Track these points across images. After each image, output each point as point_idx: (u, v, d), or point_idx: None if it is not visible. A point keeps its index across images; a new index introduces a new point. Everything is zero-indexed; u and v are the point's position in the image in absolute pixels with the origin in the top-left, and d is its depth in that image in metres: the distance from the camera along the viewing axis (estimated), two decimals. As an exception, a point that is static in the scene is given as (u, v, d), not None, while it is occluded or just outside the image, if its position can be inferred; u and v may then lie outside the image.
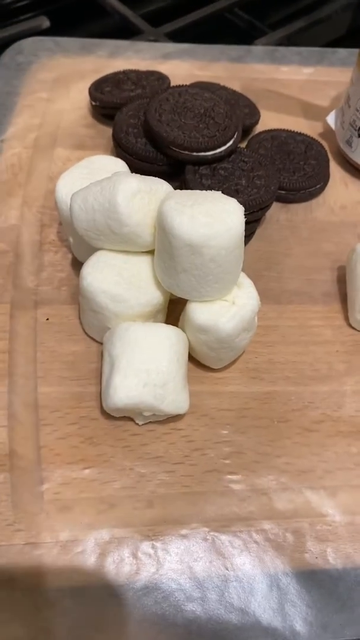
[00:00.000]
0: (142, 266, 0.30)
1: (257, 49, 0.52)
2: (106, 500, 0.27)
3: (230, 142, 0.37)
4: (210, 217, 0.26)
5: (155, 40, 0.57)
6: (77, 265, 0.35)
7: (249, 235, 0.37)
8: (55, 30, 0.60)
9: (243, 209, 0.27)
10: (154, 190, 0.29)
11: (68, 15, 0.65)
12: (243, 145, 0.42)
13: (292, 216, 0.40)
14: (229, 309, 0.28)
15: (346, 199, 0.41)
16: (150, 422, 0.29)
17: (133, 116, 0.39)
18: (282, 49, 0.52)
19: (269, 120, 0.46)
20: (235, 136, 0.37)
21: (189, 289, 0.28)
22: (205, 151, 0.36)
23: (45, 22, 0.60)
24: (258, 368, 0.32)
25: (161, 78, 0.44)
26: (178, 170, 0.37)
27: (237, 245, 0.27)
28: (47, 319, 0.33)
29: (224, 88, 0.45)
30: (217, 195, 0.27)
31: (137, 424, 0.29)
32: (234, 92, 0.45)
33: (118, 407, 0.27)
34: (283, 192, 0.40)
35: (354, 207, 0.41)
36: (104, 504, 0.27)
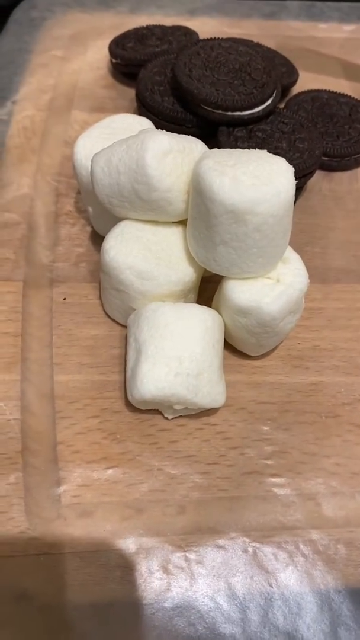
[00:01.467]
0: (172, 239, 0.26)
1: (292, 4, 0.48)
2: (132, 505, 0.24)
3: (269, 101, 0.33)
4: (257, 179, 0.22)
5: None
6: (97, 239, 0.32)
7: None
8: None
9: (293, 169, 0.23)
10: (187, 149, 0.25)
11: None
12: (281, 106, 0.38)
13: (336, 186, 0.36)
14: (274, 287, 0.25)
15: (395, 167, 0.37)
16: (180, 416, 0.26)
17: (159, 73, 0.35)
18: (319, 4, 0.48)
19: (307, 81, 0.41)
20: (274, 94, 0.33)
21: (227, 264, 0.24)
22: (241, 110, 0.32)
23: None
24: (302, 356, 0.29)
25: (188, 33, 0.40)
26: (210, 132, 0.33)
27: (286, 213, 0.23)
28: (64, 299, 0.30)
29: (258, 45, 0.40)
30: (262, 153, 0.24)
31: (166, 418, 0.26)
32: (268, 49, 0.41)
33: (145, 399, 0.24)
34: (326, 158, 0.36)
35: None
36: (129, 509, 0.24)
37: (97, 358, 0.28)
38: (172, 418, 0.26)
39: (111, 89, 0.40)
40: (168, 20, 0.45)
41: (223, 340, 0.26)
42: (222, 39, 0.35)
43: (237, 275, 0.25)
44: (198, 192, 0.23)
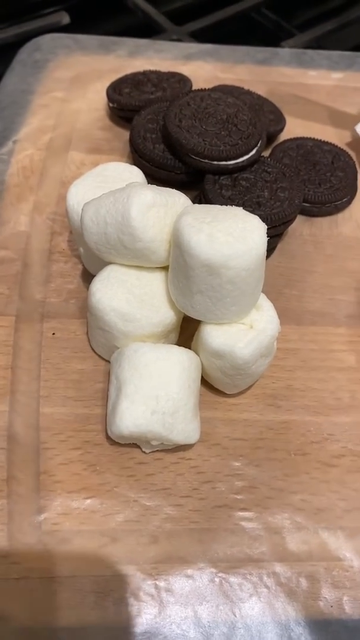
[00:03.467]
0: (155, 283, 0.29)
1: (284, 51, 0.50)
2: (108, 534, 0.26)
3: (253, 151, 0.35)
4: (230, 236, 0.24)
5: (178, 40, 0.56)
6: (87, 276, 0.34)
7: (269, 250, 0.36)
8: (75, 27, 0.60)
9: (266, 226, 0.25)
10: (170, 203, 0.27)
11: (89, 11, 0.64)
12: (267, 153, 0.41)
13: (316, 230, 0.38)
14: (247, 333, 0.27)
15: (374, 214, 0.40)
16: (157, 450, 0.28)
17: (152, 120, 0.38)
18: (310, 52, 0.51)
19: (294, 128, 0.44)
20: (258, 145, 0.36)
21: (204, 311, 0.26)
22: (226, 160, 0.35)
23: (65, 18, 0.59)
24: (275, 394, 0.31)
25: (183, 80, 0.42)
26: (197, 178, 0.36)
27: (258, 266, 0.25)
28: (54, 334, 0.32)
29: (249, 93, 0.43)
30: (238, 211, 0.26)
31: (144, 451, 0.28)
32: (258, 96, 0.43)
33: (123, 435, 0.26)
34: (307, 205, 0.38)
35: (383, 223, 0.39)
36: (105, 537, 0.26)
37: (81, 392, 0.30)
38: (150, 452, 0.28)
39: (108, 131, 0.42)
40: (165, 65, 0.48)
41: (200, 380, 0.28)
42: (212, 89, 0.38)
43: (213, 321, 0.27)
44: (177, 245, 0.25)
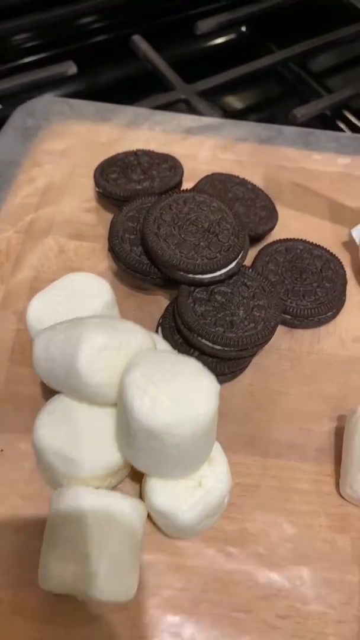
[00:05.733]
0: (105, 421, 0.28)
1: (289, 130, 0.50)
2: None
3: (232, 265, 0.35)
4: (176, 401, 0.24)
5: (186, 100, 0.56)
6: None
7: (241, 369, 0.35)
8: (80, 75, 0.60)
9: (217, 388, 0.25)
10: (124, 343, 0.27)
11: (97, 57, 0.64)
12: (254, 253, 0.40)
13: (296, 344, 0.37)
14: (193, 493, 0.26)
15: (361, 329, 0.39)
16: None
17: (132, 218, 0.37)
18: (317, 132, 0.50)
19: (288, 221, 0.43)
20: (239, 257, 0.35)
21: (147, 466, 0.26)
22: (202, 274, 0.34)
23: (71, 68, 0.59)
24: (227, 539, 0.30)
25: (174, 167, 0.42)
26: (175, 283, 0.35)
27: (206, 431, 0.25)
28: (2, 450, 0.31)
29: (243, 183, 0.43)
30: (191, 368, 0.25)
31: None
32: (253, 188, 0.42)
33: (50, 591, 0.25)
34: (288, 317, 0.37)
35: (368, 341, 0.38)
36: None
37: (23, 520, 0.29)
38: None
39: (93, 214, 0.42)
40: (163, 139, 0.48)
41: (143, 529, 0.28)
42: (197, 192, 0.37)
43: (157, 476, 0.26)
44: (121, 402, 0.25)
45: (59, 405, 0.28)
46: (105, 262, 0.40)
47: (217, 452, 0.28)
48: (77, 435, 0.27)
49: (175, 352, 0.27)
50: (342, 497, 0.32)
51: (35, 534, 0.29)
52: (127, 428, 0.25)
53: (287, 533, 0.31)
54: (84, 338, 0.26)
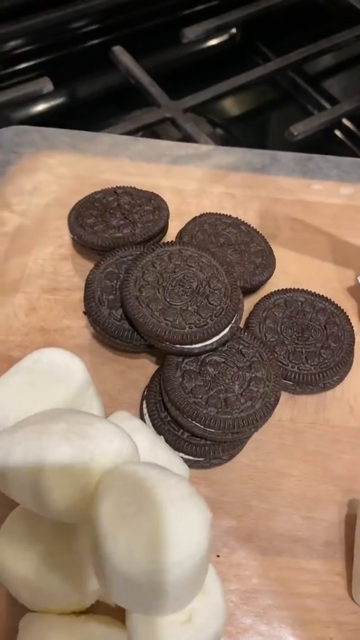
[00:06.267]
0: (76, 540, 0.24)
1: (286, 156, 0.45)
2: None
3: (225, 331, 0.31)
4: (156, 545, 0.20)
5: (171, 119, 0.51)
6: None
7: (239, 449, 0.31)
8: (58, 92, 0.55)
9: (208, 520, 0.21)
10: (97, 455, 0.23)
11: (75, 70, 0.59)
12: (250, 306, 0.36)
13: (299, 414, 0.34)
14: (182, 632, 0.22)
15: (371, 392, 0.35)
16: None
17: (111, 275, 0.33)
18: (317, 157, 0.45)
19: (287, 264, 0.39)
20: (232, 322, 0.31)
21: (125, 603, 0.22)
22: (190, 344, 0.30)
23: (47, 85, 0.54)
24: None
25: (158, 209, 0.38)
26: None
27: (195, 573, 0.21)
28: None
29: (236, 224, 0.38)
30: (176, 492, 0.21)
31: None
32: (247, 229, 0.38)
33: None
34: (290, 383, 0.33)
35: (380, 407, 0.34)
36: None
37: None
38: None
39: (69, 262, 0.38)
40: (147, 169, 0.43)
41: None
42: (184, 243, 0.33)
43: (139, 612, 0.22)
44: (92, 533, 0.21)
45: (21, 520, 0.24)
46: (83, 319, 0.36)
47: (212, 579, 0.24)
48: (44, 561, 0.23)
49: (158, 467, 0.23)
50: (356, 602, 0.28)
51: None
52: (99, 562, 0.21)
53: (292, 651, 0.27)
54: (46, 453, 0.22)
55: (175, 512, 0.21)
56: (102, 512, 0.21)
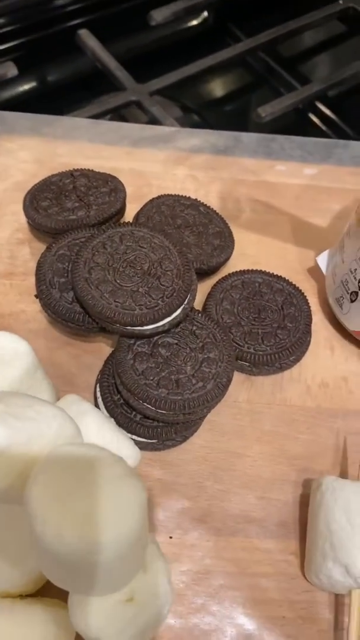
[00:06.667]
0: (17, 521, 0.24)
1: (249, 137, 0.45)
2: None
3: (177, 312, 0.30)
4: (88, 523, 0.20)
5: (137, 102, 0.51)
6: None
7: (193, 430, 0.31)
8: (23, 77, 0.54)
9: (144, 499, 0.21)
10: (34, 438, 0.22)
11: (41, 54, 0.58)
12: (207, 289, 0.35)
13: (255, 395, 0.33)
14: (124, 612, 0.22)
15: (328, 372, 0.35)
16: None
17: (63, 258, 0.33)
18: (280, 138, 0.45)
19: (246, 245, 0.39)
20: (184, 303, 0.31)
21: (63, 583, 0.22)
22: (141, 326, 0.30)
23: (11, 70, 0.54)
24: (175, 638, 0.26)
25: (115, 191, 0.37)
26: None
27: (129, 552, 0.21)
28: None
29: (195, 205, 0.38)
30: (111, 472, 0.21)
31: None
32: (206, 210, 0.38)
33: None
34: (246, 364, 0.33)
35: (337, 387, 0.34)
36: None
37: None
38: None
39: (25, 246, 0.38)
40: (108, 152, 0.43)
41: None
42: (137, 225, 0.33)
43: (78, 593, 0.22)
44: (26, 516, 0.21)
45: None
46: (38, 303, 0.35)
47: (154, 558, 0.23)
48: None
49: (97, 447, 0.23)
50: (308, 581, 0.28)
51: None
52: (35, 543, 0.21)
53: (244, 629, 0.27)
54: (-18, 436, 0.22)
55: (111, 490, 0.20)
56: (33, 494, 0.20)
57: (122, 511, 0.20)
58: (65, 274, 0.32)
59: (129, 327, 0.30)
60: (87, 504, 0.20)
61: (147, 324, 0.30)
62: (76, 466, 0.21)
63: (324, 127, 0.57)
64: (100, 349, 0.34)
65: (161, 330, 0.30)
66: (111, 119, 0.51)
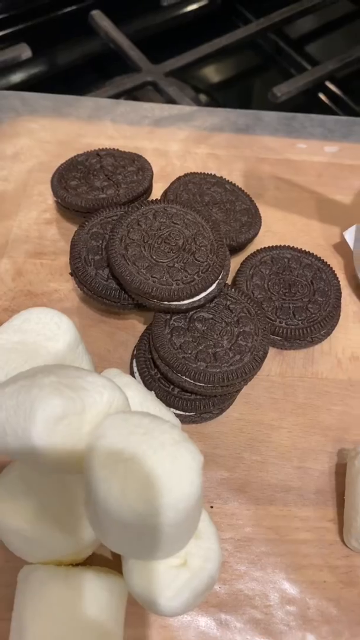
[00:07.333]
0: (70, 491, 0.25)
1: (270, 115, 0.45)
2: None
3: (212, 287, 0.31)
4: (150, 487, 0.20)
5: (153, 83, 0.51)
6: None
7: (229, 403, 0.32)
8: (36, 59, 0.54)
9: (200, 464, 0.21)
10: (88, 406, 0.23)
11: (54, 36, 0.58)
12: (236, 265, 0.36)
13: (288, 368, 0.34)
14: (178, 575, 0.23)
15: (358, 345, 0.35)
16: None
17: (96, 236, 0.33)
18: (301, 116, 0.45)
19: (273, 222, 0.39)
20: (219, 278, 0.31)
21: (120, 549, 0.22)
22: (178, 300, 0.30)
23: (25, 52, 0.54)
24: (221, 603, 0.27)
25: (142, 170, 0.37)
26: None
27: (188, 516, 0.21)
28: None
29: (220, 183, 0.38)
30: (169, 437, 0.22)
31: None
32: (232, 188, 0.38)
33: None
34: (278, 338, 0.34)
35: (368, 359, 0.35)
36: None
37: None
38: None
39: (54, 226, 0.38)
40: (130, 132, 0.43)
41: (124, 606, 0.25)
42: (169, 202, 0.33)
43: (134, 558, 0.23)
44: (86, 480, 0.21)
45: (15, 473, 0.25)
46: (70, 282, 0.36)
47: (205, 524, 0.24)
48: (39, 511, 0.24)
49: (150, 415, 0.23)
50: (347, 547, 0.29)
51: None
52: (94, 508, 0.21)
53: (287, 593, 0.28)
54: (38, 407, 0.22)
55: (168, 455, 0.21)
56: (95, 459, 0.21)
57: (182, 476, 0.21)
58: (100, 252, 0.33)
59: (166, 302, 0.30)
60: (147, 468, 0.21)
61: (184, 299, 0.30)
62: (133, 432, 0.22)
63: (334, 107, 0.57)
64: (134, 326, 0.35)
65: (197, 305, 0.31)
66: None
